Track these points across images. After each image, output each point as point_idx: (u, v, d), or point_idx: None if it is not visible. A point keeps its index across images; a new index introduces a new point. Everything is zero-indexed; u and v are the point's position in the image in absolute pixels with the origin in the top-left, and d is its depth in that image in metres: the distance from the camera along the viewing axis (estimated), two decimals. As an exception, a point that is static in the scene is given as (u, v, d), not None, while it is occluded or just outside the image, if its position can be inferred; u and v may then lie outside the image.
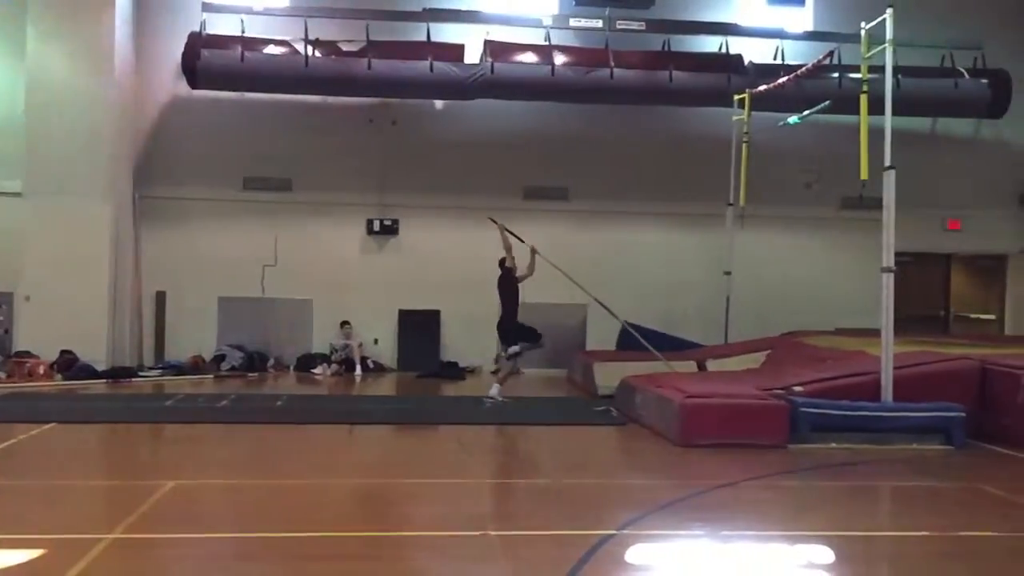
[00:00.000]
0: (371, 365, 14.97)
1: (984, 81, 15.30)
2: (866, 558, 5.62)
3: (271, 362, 14.90)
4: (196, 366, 14.22)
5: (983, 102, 15.37)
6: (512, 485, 7.19)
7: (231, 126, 15.08)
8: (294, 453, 8.39)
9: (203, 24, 14.14)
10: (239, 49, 13.89)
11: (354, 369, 14.63)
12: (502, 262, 11.42)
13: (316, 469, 7.60)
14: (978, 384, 9.43)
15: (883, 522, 6.79)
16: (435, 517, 6.11)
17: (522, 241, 11.60)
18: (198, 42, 13.98)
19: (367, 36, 14.15)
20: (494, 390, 11.19)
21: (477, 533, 5.62)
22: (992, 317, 16.85)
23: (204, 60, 13.88)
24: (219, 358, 14.51)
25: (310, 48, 14.07)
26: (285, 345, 15.23)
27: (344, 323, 14.98)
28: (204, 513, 6.23)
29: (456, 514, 6.14)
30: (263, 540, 5.51)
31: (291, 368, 14.96)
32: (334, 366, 14.61)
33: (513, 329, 11.36)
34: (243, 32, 14.08)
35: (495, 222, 11.62)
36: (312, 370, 14.61)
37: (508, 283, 11.41)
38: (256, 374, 14.29)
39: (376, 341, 15.36)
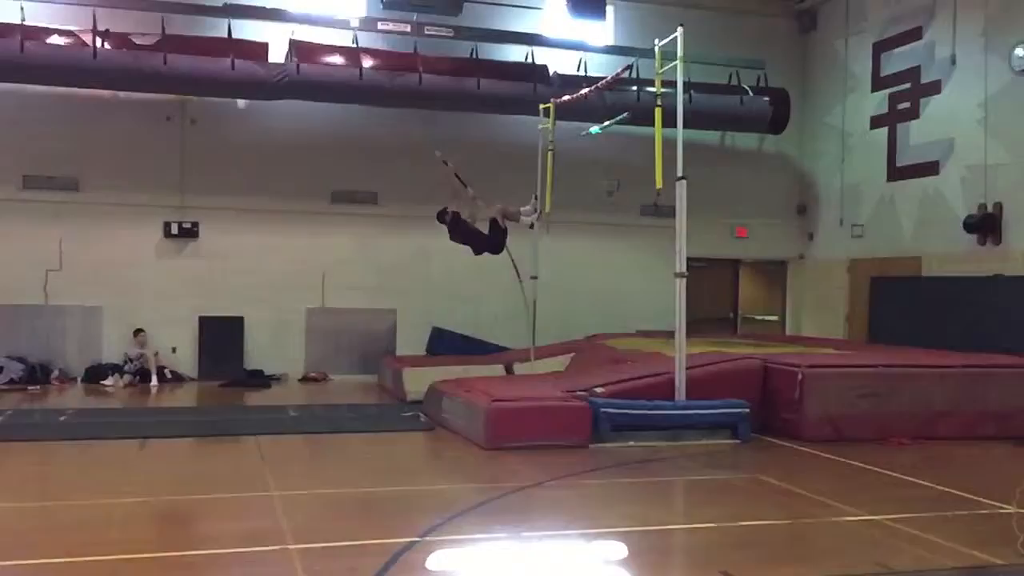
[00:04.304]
0: (168, 375, 14.25)
1: (766, 99, 16.34)
2: (658, 550, 5.88)
3: (55, 374, 13.88)
4: (-32, 380, 13.08)
5: (765, 118, 16.42)
6: (315, 496, 7.03)
7: (10, 120, 13.95)
8: (79, 472, 7.86)
9: (-24, 9, 13.03)
10: (18, 38, 12.85)
11: (149, 379, 13.88)
12: (441, 214, 10.89)
13: (104, 488, 7.13)
14: (761, 381, 10.12)
15: (675, 515, 7.14)
16: (232, 533, 5.88)
17: (466, 187, 11.15)
18: (-30, 28, 12.84)
19: (163, 30, 13.46)
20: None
21: (275, 548, 5.46)
22: (775, 318, 18.14)
23: (-23, 48, 12.76)
24: (-5, 371, 13.42)
25: (99, 39, 13.21)
26: (72, 355, 14.23)
27: (138, 331, 14.17)
28: (-29, 542, 5.70)
29: (255, 529, 5.93)
30: (43, 568, 5.12)
31: (79, 380, 14.01)
32: (127, 376, 13.79)
33: (490, 241, 11.10)
34: (23, 20, 13.03)
35: (447, 164, 11.05)
36: (103, 381, 13.72)
37: (459, 228, 10.92)
38: (38, 387, 13.27)
39: (174, 350, 14.63)
